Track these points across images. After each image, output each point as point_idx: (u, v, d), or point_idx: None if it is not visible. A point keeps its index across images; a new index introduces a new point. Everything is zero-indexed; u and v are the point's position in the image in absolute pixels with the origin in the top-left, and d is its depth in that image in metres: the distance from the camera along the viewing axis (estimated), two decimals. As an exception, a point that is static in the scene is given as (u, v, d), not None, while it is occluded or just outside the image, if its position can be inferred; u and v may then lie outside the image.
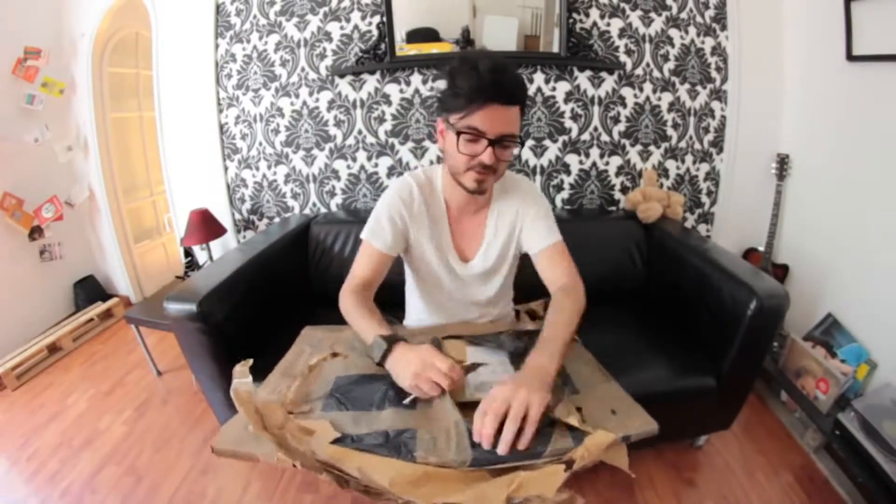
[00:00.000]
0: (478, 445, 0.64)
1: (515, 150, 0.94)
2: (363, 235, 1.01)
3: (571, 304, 0.90)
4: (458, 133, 0.87)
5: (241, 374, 0.74)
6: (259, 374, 0.80)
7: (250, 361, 0.76)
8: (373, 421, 0.69)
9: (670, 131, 1.97)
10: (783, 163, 1.86)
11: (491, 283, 1.10)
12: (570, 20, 1.80)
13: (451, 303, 1.11)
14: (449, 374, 0.71)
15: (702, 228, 2.12)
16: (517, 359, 0.84)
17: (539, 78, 1.88)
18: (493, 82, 0.83)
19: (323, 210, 2.08)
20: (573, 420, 0.66)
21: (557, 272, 0.99)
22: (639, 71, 1.89)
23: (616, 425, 0.67)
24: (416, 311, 1.18)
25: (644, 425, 0.68)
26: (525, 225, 1.03)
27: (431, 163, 1.99)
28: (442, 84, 0.90)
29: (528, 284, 1.14)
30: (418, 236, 1.03)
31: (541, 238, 1.01)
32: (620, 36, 1.86)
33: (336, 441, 0.64)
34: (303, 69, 1.94)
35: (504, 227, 1.05)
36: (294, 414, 0.71)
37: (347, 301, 0.94)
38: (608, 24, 1.85)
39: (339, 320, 0.95)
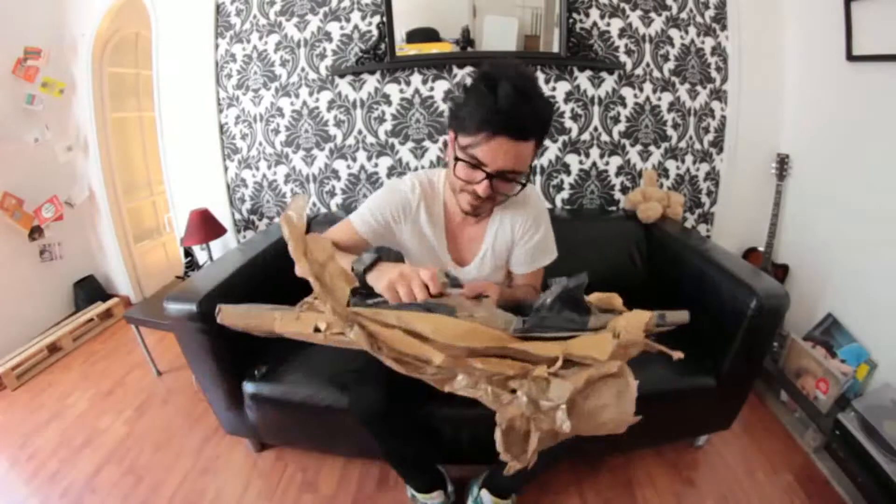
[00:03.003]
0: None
1: (517, 188, 0.88)
2: (351, 217, 1.02)
3: (526, 295, 1.03)
4: (457, 159, 0.83)
5: (299, 205, 0.71)
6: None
7: (309, 197, 0.76)
8: (408, 304, 0.66)
9: (670, 131, 1.97)
10: (783, 163, 1.85)
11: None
12: (570, 20, 1.80)
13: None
14: (429, 283, 0.71)
15: (702, 228, 2.11)
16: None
17: (539, 78, 1.88)
18: (510, 114, 0.75)
19: (323, 210, 2.08)
20: (612, 297, 0.69)
21: (525, 280, 1.10)
22: (639, 71, 1.89)
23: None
24: None
25: (677, 314, 0.70)
26: (518, 245, 1.04)
27: (431, 163, 1.99)
28: (460, 94, 0.84)
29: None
30: (410, 237, 1.03)
31: (524, 264, 1.06)
32: (620, 36, 1.86)
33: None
34: (303, 69, 1.94)
35: (502, 240, 1.04)
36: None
37: None
38: (608, 24, 1.85)
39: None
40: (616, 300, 0.68)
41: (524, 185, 0.87)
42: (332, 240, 0.99)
